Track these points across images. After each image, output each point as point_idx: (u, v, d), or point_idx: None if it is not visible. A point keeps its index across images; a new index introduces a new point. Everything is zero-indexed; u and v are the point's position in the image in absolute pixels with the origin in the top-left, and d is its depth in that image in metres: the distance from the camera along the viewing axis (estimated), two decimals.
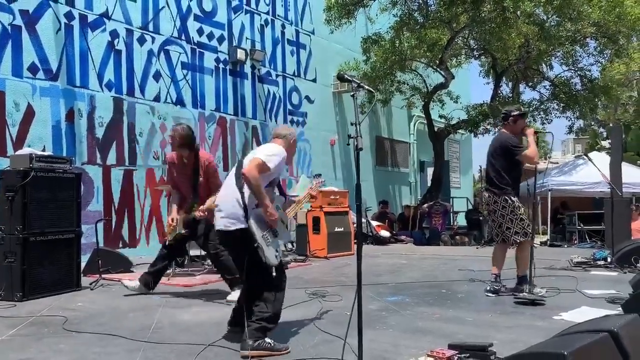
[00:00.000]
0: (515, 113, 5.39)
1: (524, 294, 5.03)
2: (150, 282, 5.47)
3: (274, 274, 3.56)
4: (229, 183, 3.69)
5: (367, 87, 2.96)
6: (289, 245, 9.43)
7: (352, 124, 2.62)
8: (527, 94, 43.22)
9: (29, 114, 8.19)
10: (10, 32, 8.03)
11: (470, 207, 16.22)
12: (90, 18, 9.11)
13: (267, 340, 3.39)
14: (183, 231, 5.31)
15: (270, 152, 3.62)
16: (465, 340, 3.56)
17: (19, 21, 8.14)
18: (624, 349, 2.30)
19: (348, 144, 2.65)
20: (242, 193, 3.51)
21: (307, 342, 3.65)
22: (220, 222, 3.62)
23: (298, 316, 4.37)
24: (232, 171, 3.73)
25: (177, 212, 5.34)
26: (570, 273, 6.64)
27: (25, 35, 8.20)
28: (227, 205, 3.59)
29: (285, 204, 4.10)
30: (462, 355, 3.02)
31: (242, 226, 3.48)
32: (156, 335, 3.85)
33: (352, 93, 2.81)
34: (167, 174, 5.82)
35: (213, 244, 5.17)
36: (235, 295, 4.97)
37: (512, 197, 5.23)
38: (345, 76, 2.91)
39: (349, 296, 5.33)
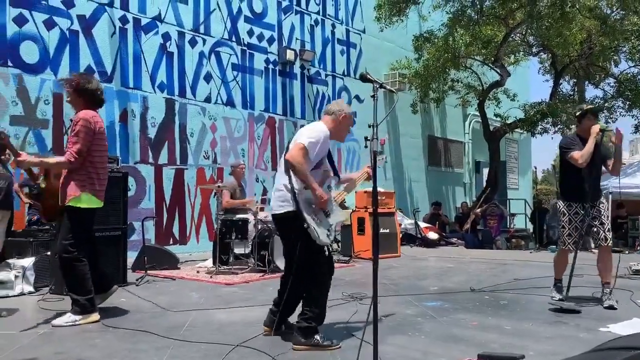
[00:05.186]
0: (578, 113, 5.12)
1: (556, 300, 4.85)
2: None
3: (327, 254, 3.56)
4: (280, 168, 3.73)
5: (388, 87, 2.88)
6: (334, 246, 9.39)
7: (369, 126, 2.55)
8: (590, 92, 41.19)
9: None
10: (68, 37, 8.41)
11: (529, 209, 15.67)
12: (144, 21, 9.41)
13: (317, 336, 3.50)
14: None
15: (312, 135, 3.55)
16: (500, 351, 3.42)
17: (76, 26, 8.51)
18: None
19: (366, 146, 2.58)
20: (289, 176, 3.53)
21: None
22: (272, 205, 3.69)
23: (331, 318, 4.31)
24: (283, 156, 3.73)
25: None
26: (627, 282, 6.26)
27: (82, 39, 8.57)
28: (277, 189, 3.66)
29: (338, 184, 4.03)
30: None
31: (291, 209, 3.50)
32: (188, 333, 3.90)
33: (372, 94, 2.74)
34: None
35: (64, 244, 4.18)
36: (61, 320, 4.10)
37: (561, 202, 5.04)
38: (368, 76, 2.85)
39: (388, 300, 5.24)
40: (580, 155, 4.78)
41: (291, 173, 3.51)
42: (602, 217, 4.96)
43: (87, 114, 4.30)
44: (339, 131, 3.79)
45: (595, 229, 4.95)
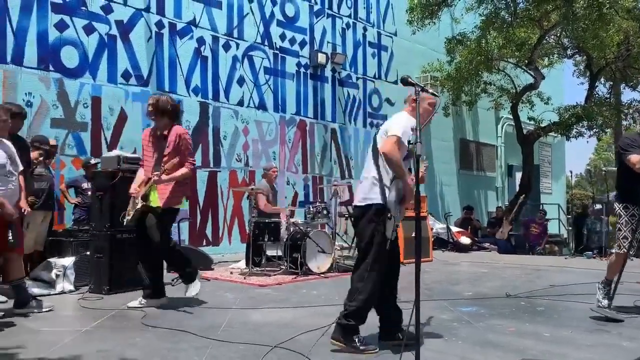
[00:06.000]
0: None
1: (600, 307, 4.65)
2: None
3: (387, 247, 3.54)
4: (368, 160, 3.71)
5: (430, 91, 2.88)
6: None
7: (412, 130, 2.55)
8: (627, 95, 39.93)
9: (122, 118, 8.73)
10: (106, 42, 8.61)
11: (562, 215, 15.36)
12: (179, 26, 9.57)
13: (355, 339, 3.51)
14: (139, 205, 4.87)
15: (401, 126, 3.52)
16: (540, 357, 3.37)
17: (114, 31, 8.71)
18: None
19: (408, 150, 2.58)
20: (377, 169, 3.54)
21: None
22: (359, 196, 3.66)
23: (367, 321, 4.31)
24: (370, 147, 3.72)
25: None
26: None
27: (119, 44, 8.76)
28: (364, 179, 3.65)
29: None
30: None
31: (378, 202, 3.50)
32: (225, 333, 3.95)
33: (414, 97, 2.74)
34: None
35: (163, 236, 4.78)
36: (193, 289, 4.98)
37: (618, 204, 4.82)
38: (409, 80, 2.85)
39: (423, 304, 5.09)
40: (637, 160, 4.48)
41: (380, 165, 3.51)
42: None
43: (183, 129, 5.00)
44: (421, 115, 3.62)
45: None
